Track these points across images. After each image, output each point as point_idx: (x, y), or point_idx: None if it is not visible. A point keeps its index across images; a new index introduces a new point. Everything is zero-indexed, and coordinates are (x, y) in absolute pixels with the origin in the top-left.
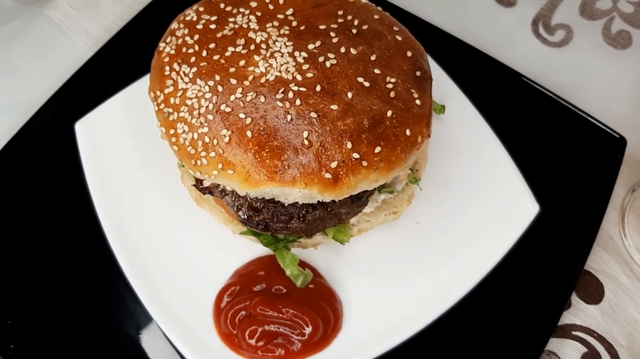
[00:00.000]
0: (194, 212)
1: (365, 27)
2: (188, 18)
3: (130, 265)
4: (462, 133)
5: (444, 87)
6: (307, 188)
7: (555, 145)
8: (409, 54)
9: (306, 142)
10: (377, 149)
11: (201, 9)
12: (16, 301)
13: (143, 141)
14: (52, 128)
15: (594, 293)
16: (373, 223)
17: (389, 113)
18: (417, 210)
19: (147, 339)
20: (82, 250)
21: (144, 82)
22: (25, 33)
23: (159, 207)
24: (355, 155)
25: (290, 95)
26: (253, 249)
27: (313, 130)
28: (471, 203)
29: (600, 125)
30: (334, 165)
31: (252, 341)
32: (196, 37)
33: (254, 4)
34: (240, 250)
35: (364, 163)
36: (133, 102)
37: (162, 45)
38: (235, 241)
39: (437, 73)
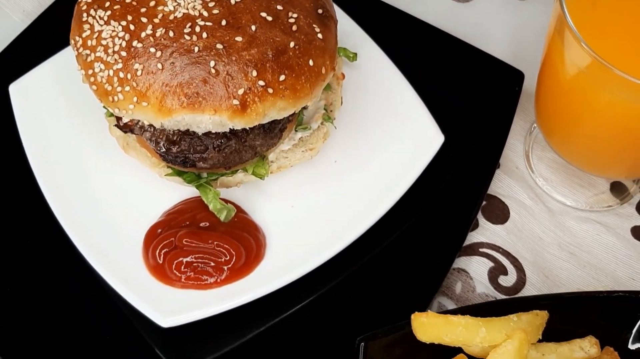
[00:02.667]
0: (122, 160)
1: None
2: None
3: (64, 212)
4: (373, 77)
5: (356, 37)
6: (216, 114)
7: (460, 83)
8: None
9: (213, 71)
10: (282, 77)
11: None
12: None
13: (73, 99)
14: None
15: (500, 214)
16: (291, 160)
17: (292, 44)
18: (335, 150)
19: (86, 289)
20: (18, 202)
21: None
22: None
23: (89, 158)
24: (261, 83)
25: (197, 29)
26: (180, 192)
27: (220, 60)
28: (383, 139)
29: (499, 60)
30: (240, 92)
31: (179, 272)
32: None
33: None
34: (168, 193)
35: (270, 91)
36: (64, 65)
37: None
38: (163, 185)
39: (349, 24)
